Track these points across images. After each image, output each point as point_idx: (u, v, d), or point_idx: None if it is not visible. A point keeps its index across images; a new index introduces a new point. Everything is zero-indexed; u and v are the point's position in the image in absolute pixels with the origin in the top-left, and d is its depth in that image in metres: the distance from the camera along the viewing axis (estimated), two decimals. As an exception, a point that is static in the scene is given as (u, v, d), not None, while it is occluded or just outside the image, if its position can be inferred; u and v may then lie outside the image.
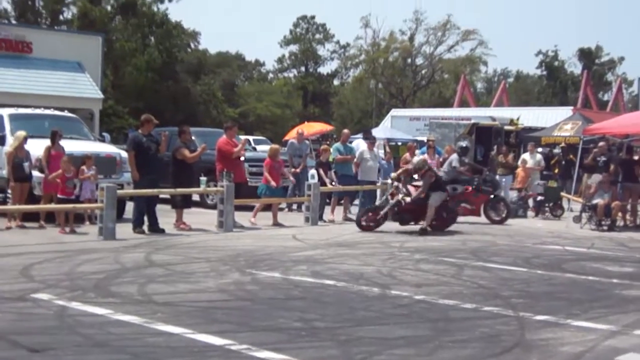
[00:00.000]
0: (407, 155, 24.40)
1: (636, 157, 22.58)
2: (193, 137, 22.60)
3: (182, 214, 17.70)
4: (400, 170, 19.23)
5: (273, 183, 18.75)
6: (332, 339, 7.91)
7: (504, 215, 20.95)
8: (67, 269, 11.66)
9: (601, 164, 22.18)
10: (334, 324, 8.54)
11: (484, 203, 20.92)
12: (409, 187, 18.19)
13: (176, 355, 7.20)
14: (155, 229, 16.59)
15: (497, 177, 25.21)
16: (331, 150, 21.53)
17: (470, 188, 20.62)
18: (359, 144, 23.65)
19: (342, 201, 21.18)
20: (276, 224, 18.79)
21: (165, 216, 17.58)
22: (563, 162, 26.66)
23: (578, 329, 8.65)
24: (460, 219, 19.77)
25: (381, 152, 25.74)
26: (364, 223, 18.05)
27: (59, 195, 16.76)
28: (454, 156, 21.75)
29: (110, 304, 9.21)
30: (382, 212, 17.92)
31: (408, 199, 17.86)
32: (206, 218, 18.53)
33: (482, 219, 20.75)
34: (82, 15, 61.50)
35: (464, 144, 23.39)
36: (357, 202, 22.05)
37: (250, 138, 44.74)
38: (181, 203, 17.71)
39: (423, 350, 7.56)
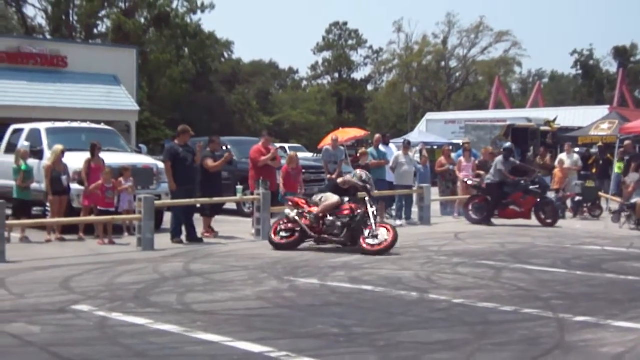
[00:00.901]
0: (442, 159, 24.33)
1: None
2: (229, 147, 22.81)
3: (209, 222, 17.86)
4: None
5: (282, 190, 18.71)
6: (370, 344, 7.91)
7: (552, 218, 20.52)
8: (107, 280, 11.76)
9: (625, 163, 22.05)
10: (373, 329, 8.54)
11: (533, 205, 20.60)
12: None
13: (216, 364, 7.25)
14: (193, 238, 16.68)
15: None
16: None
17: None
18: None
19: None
20: None
21: (201, 226, 17.71)
22: (600, 162, 26.42)
23: (618, 329, 8.59)
24: (508, 221, 20.20)
25: (417, 157, 25.71)
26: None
27: (99, 207, 16.92)
28: (499, 158, 21.28)
29: (150, 314, 9.28)
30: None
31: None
32: (243, 227, 18.59)
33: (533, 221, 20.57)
34: (116, 29, 61.93)
35: (507, 144, 22.81)
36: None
37: (286, 146, 44.85)
38: (207, 211, 17.88)
39: (462, 354, 7.54)
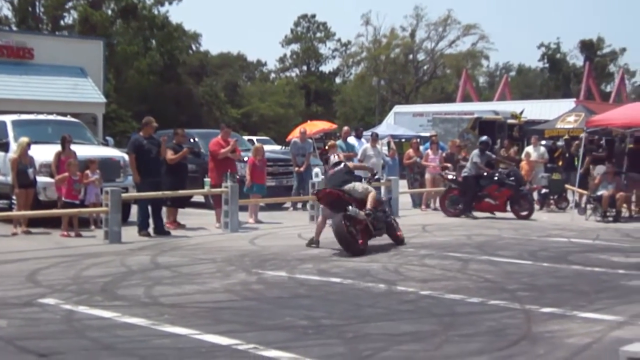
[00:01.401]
0: (410, 151, 24.42)
1: None
2: (196, 139, 22.75)
3: (173, 214, 17.99)
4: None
5: (248, 181, 18.82)
6: (339, 336, 7.92)
7: (528, 210, 20.58)
8: (74, 273, 11.68)
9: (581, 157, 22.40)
10: (341, 321, 8.56)
11: (508, 198, 20.64)
12: None
13: (184, 357, 7.23)
14: (160, 231, 16.62)
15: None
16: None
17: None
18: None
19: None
20: (257, 221, 18.97)
21: (184, 219, 17.66)
22: (567, 155, 26.61)
23: (585, 320, 8.66)
24: (480, 214, 20.45)
25: (385, 149, 25.78)
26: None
27: (64, 199, 16.79)
28: (475, 152, 21.43)
29: (117, 307, 9.24)
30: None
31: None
32: (211, 219, 18.54)
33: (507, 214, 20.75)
34: (83, 20, 61.52)
35: (484, 138, 22.62)
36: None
37: (254, 138, 44.80)
38: (167, 202, 17.87)
39: (430, 345, 7.57)
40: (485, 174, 20.89)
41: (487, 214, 20.68)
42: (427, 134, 34.05)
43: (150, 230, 16.51)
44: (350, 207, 13.85)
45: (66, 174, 16.83)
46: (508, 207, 20.70)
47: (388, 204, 15.45)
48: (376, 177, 15.50)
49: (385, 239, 14.91)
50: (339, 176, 14.85)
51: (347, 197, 14.17)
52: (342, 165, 15.15)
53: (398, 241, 14.99)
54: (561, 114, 34.31)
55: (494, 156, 22.93)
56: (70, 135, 17.86)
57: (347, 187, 14.41)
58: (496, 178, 20.73)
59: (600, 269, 12.30)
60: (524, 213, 20.42)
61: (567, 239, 16.26)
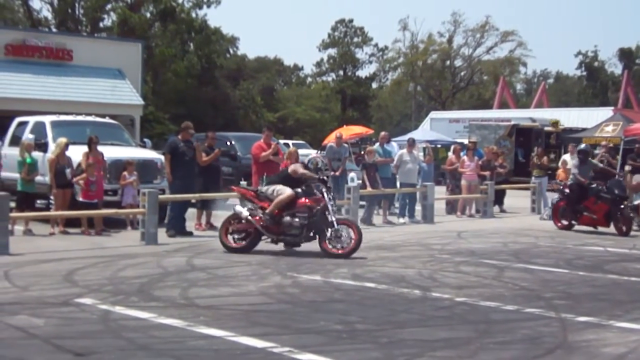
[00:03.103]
0: (452, 157, 24.40)
1: None
2: (233, 142, 22.86)
3: (200, 215, 18.13)
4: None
5: None
6: (373, 341, 7.92)
7: (625, 225, 18.51)
8: (110, 273, 11.78)
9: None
10: (375, 326, 8.56)
11: (606, 212, 18.70)
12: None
13: (219, 358, 7.27)
14: (181, 231, 16.75)
15: (533, 178, 25.15)
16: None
17: None
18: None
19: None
20: None
21: (220, 221, 17.85)
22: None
23: (621, 330, 8.60)
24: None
25: (421, 155, 25.73)
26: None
27: (81, 199, 16.98)
28: (574, 161, 20.18)
29: (153, 307, 9.30)
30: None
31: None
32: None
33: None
34: (121, 23, 61.92)
35: (582, 146, 21.08)
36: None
37: (290, 142, 44.86)
38: (199, 204, 18.07)
39: (464, 352, 7.55)
40: (585, 185, 19.20)
41: (515, 222, 20.45)
42: (464, 140, 34.02)
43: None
44: (241, 207, 14.54)
45: (84, 174, 17.00)
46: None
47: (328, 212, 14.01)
48: (325, 180, 14.70)
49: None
50: (272, 177, 15.46)
51: (258, 198, 14.56)
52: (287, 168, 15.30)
53: (326, 253, 13.92)
54: (599, 122, 34.08)
55: (600, 165, 21.93)
56: (97, 136, 17.98)
57: (264, 188, 14.78)
58: (593, 191, 18.97)
59: (636, 278, 12.20)
60: (624, 229, 18.48)
61: (603, 248, 16.14)
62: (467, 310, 9.53)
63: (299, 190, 14.43)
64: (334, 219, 14.06)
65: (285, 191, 14.26)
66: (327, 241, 14.00)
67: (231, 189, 15.94)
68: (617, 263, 13.96)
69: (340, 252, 13.88)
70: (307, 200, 14.22)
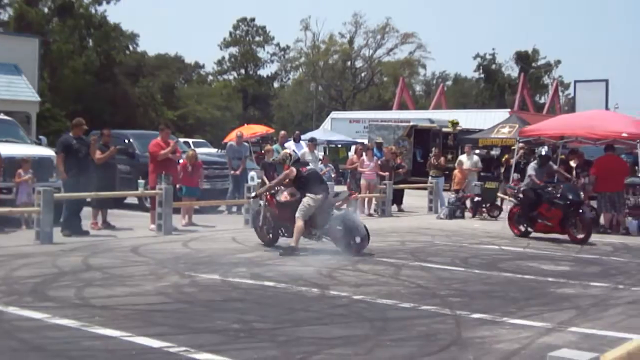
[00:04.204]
0: (354, 156, 24.64)
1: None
2: (131, 140, 22.59)
3: (96, 214, 17.94)
4: (262, 189, 16.22)
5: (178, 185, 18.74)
6: (271, 339, 7.94)
7: (584, 233, 17.47)
8: (4, 273, 11.51)
9: (522, 165, 22.57)
10: (273, 325, 8.57)
11: (561, 219, 17.66)
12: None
13: (114, 359, 7.17)
14: (77, 230, 16.52)
15: (430, 178, 25.55)
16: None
17: None
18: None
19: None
20: (191, 224, 18.92)
21: (117, 220, 17.54)
22: (510, 164, 26.85)
23: (513, 326, 8.79)
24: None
25: (320, 154, 25.91)
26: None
27: None
28: (532, 164, 19.59)
29: (47, 308, 9.13)
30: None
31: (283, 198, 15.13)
32: (144, 221, 18.41)
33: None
34: (18, 17, 60.67)
35: (543, 151, 20.02)
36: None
37: (190, 141, 44.59)
38: (94, 202, 17.86)
39: (361, 350, 7.62)
40: (539, 189, 18.36)
41: (411, 222, 20.73)
42: (364, 141, 34.34)
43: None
44: None
45: None
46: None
47: None
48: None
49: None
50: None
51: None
52: None
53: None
54: (496, 123, 34.78)
55: (555, 167, 20.88)
56: None
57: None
58: (546, 196, 18.05)
59: (530, 276, 12.48)
60: (580, 236, 17.46)
61: (498, 247, 16.47)
62: (364, 307, 9.61)
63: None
64: None
65: None
66: None
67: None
68: (511, 261, 14.26)
69: None
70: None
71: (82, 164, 16.75)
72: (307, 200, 14.47)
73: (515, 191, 19.21)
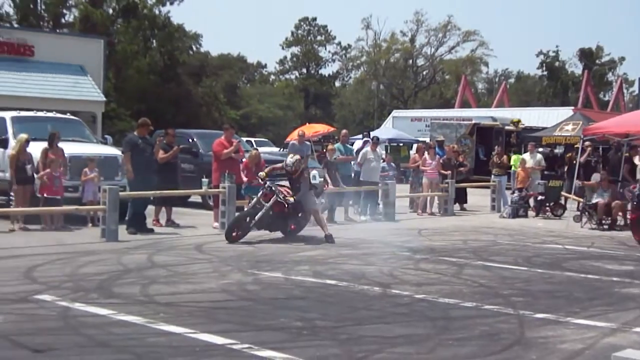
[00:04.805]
0: (416, 155, 24.58)
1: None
2: (195, 139, 22.81)
3: (159, 212, 18.24)
4: (268, 168, 16.97)
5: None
6: (333, 337, 7.96)
7: None
8: (70, 270, 11.72)
9: (593, 164, 22.24)
10: (335, 323, 8.59)
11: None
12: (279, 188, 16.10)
13: (178, 355, 7.26)
14: (142, 228, 16.73)
15: (493, 176, 25.37)
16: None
17: None
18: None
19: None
20: None
21: (181, 218, 17.97)
22: (574, 162, 26.58)
23: (577, 326, 8.70)
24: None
25: (383, 153, 25.86)
26: (234, 233, 15.49)
27: (45, 195, 16.89)
28: None
29: (112, 304, 9.27)
30: (256, 218, 15.57)
31: (291, 200, 15.90)
32: (208, 219, 18.57)
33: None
34: (83, 19, 61.56)
35: None
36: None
37: (253, 140, 44.85)
38: (157, 200, 18.12)
39: (423, 349, 7.62)
40: None
41: (476, 219, 20.64)
42: (426, 139, 34.18)
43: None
44: None
45: (48, 170, 16.92)
46: None
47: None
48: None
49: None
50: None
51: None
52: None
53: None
54: (559, 121, 34.35)
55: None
56: (59, 132, 17.90)
57: None
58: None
59: (594, 276, 12.35)
60: None
61: (562, 246, 16.31)
62: (426, 307, 9.60)
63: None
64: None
65: None
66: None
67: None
68: (575, 261, 14.11)
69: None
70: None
71: (147, 164, 16.97)
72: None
73: (635, 195, 18.43)
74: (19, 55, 33.67)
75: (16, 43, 33.76)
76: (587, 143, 23.55)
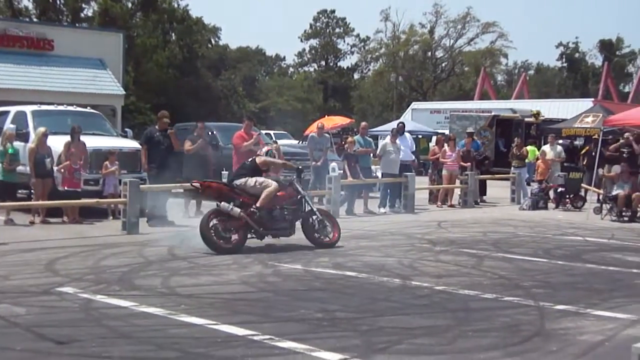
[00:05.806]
0: (435, 147, 24.56)
1: None
2: (215, 132, 22.88)
3: (188, 204, 18.39)
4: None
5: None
6: (353, 329, 8.00)
7: None
8: (92, 263, 11.81)
9: (626, 154, 22.07)
10: (356, 314, 8.63)
11: None
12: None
13: (200, 346, 7.30)
14: (164, 221, 16.79)
15: (513, 168, 25.29)
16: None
17: None
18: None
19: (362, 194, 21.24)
20: None
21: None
22: (592, 153, 26.46)
23: (597, 318, 8.70)
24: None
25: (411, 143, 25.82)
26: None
27: (66, 187, 16.99)
28: None
29: (134, 296, 9.34)
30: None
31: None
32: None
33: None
34: (102, 12, 61.76)
35: None
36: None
37: (272, 132, 44.86)
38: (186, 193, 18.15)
39: (443, 340, 7.64)
40: None
41: (496, 211, 20.58)
42: (445, 131, 34.10)
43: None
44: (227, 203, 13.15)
45: (67, 162, 17.03)
46: None
47: (305, 201, 13.97)
48: (302, 175, 14.42)
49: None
50: (239, 170, 14.48)
51: (234, 191, 13.51)
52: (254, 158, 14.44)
53: (316, 243, 13.78)
54: (579, 113, 34.21)
55: None
56: (80, 126, 17.99)
57: (239, 181, 13.71)
58: None
59: (614, 267, 12.33)
60: None
61: (582, 238, 16.27)
62: (446, 298, 9.61)
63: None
64: (314, 208, 14.14)
65: (271, 183, 13.62)
66: (315, 232, 13.88)
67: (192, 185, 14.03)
68: (595, 252, 14.08)
69: (327, 241, 13.88)
70: (285, 191, 13.86)
71: (164, 156, 17.05)
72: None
73: None
74: (38, 49, 33.76)
75: (36, 37, 33.83)
76: (627, 135, 23.15)
